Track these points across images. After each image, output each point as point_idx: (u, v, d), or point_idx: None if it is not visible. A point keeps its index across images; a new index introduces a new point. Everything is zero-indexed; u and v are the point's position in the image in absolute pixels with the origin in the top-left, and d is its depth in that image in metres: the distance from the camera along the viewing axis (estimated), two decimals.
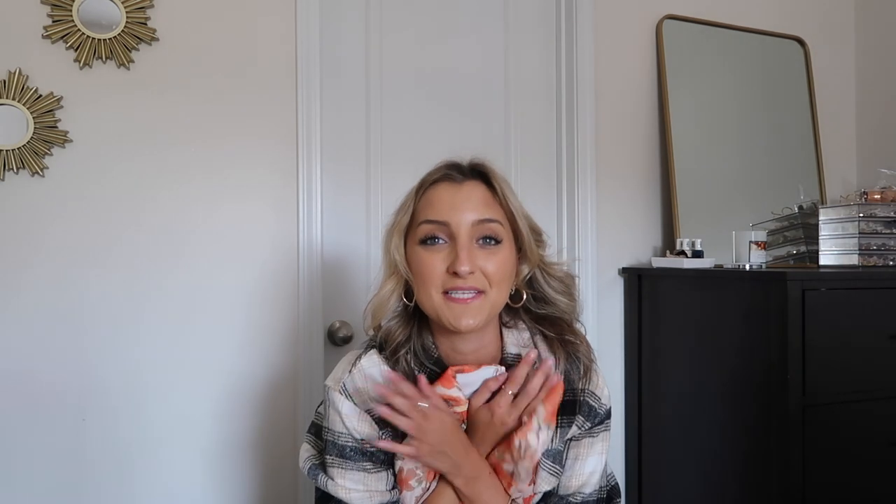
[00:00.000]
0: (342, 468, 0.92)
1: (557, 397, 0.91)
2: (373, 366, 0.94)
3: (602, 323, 1.92)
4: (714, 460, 1.65)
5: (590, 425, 0.96)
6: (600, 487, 0.98)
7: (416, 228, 0.91)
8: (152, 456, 1.50)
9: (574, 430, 0.95)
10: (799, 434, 1.45)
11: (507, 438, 0.91)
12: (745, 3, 2.10)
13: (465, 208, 0.89)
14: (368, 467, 0.92)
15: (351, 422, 0.92)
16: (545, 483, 0.93)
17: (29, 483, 1.42)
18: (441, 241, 0.90)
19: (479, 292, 0.89)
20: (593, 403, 0.95)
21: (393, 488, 0.93)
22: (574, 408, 0.94)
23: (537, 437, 0.88)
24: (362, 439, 0.92)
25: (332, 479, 0.92)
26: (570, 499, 0.95)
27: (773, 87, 2.11)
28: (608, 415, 0.97)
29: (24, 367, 1.41)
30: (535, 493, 0.93)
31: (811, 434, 1.47)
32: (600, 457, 0.96)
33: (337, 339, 1.67)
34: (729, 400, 1.60)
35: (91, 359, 1.46)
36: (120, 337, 1.48)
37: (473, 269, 0.87)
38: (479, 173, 0.94)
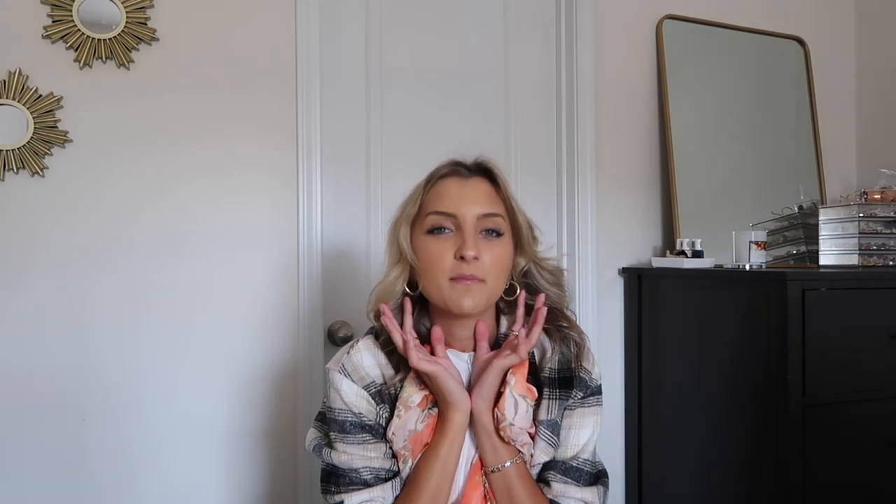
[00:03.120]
0: (343, 442, 0.98)
1: (525, 368, 0.99)
2: (367, 348, 1.02)
3: (602, 323, 1.92)
4: (714, 460, 1.65)
5: (581, 395, 1.02)
6: (594, 462, 1.04)
7: (423, 219, 0.98)
8: (153, 455, 1.50)
9: (569, 401, 1.03)
10: (799, 434, 1.45)
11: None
12: (745, 3, 2.10)
13: (471, 202, 0.96)
14: (367, 439, 0.98)
15: (349, 398, 0.98)
16: (543, 454, 0.99)
17: (29, 483, 1.42)
18: (448, 231, 0.96)
19: (480, 280, 0.95)
20: (584, 377, 1.03)
21: (392, 460, 0.99)
22: (571, 383, 1.02)
23: (514, 409, 0.96)
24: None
25: (335, 451, 0.99)
26: (570, 462, 1.01)
27: (773, 87, 2.11)
28: (599, 390, 1.05)
29: (23, 367, 1.41)
30: (532, 465, 0.99)
31: (811, 434, 1.47)
32: (593, 429, 1.03)
33: (337, 339, 1.67)
34: (729, 400, 1.60)
35: (91, 358, 1.46)
36: (120, 337, 1.48)
37: (478, 255, 0.94)
38: (483, 170, 1.01)
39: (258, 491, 1.59)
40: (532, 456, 0.99)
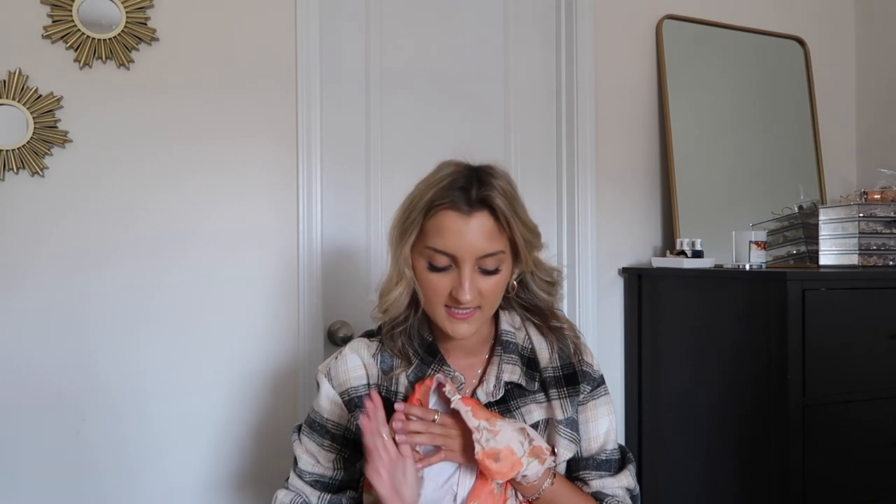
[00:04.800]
0: (307, 437, 1.07)
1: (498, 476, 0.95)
2: (354, 351, 1.06)
3: (602, 323, 1.92)
4: (714, 460, 1.65)
5: (590, 388, 1.07)
6: (617, 447, 1.09)
7: (423, 248, 0.96)
8: (153, 455, 1.50)
9: (580, 397, 1.06)
10: (799, 434, 1.45)
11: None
12: (745, 3, 2.10)
13: (470, 241, 0.93)
14: (324, 443, 1.05)
15: (322, 401, 1.06)
16: (566, 451, 1.01)
17: (29, 482, 1.42)
18: (447, 268, 0.96)
19: (476, 308, 0.97)
20: (588, 370, 1.07)
21: (338, 469, 1.06)
22: (576, 377, 1.05)
23: (518, 474, 0.94)
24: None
25: (299, 441, 1.08)
26: (597, 457, 1.05)
27: (773, 87, 2.11)
28: (603, 380, 1.10)
29: (23, 367, 1.41)
30: (556, 464, 1.01)
31: (811, 434, 1.47)
32: (609, 417, 1.07)
33: (337, 339, 1.67)
34: (729, 400, 1.60)
35: (91, 358, 1.46)
36: (120, 336, 1.48)
37: (473, 296, 0.95)
38: (486, 203, 0.94)
39: (257, 491, 1.59)
40: (557, 455, 1.01)
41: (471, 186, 0.94)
